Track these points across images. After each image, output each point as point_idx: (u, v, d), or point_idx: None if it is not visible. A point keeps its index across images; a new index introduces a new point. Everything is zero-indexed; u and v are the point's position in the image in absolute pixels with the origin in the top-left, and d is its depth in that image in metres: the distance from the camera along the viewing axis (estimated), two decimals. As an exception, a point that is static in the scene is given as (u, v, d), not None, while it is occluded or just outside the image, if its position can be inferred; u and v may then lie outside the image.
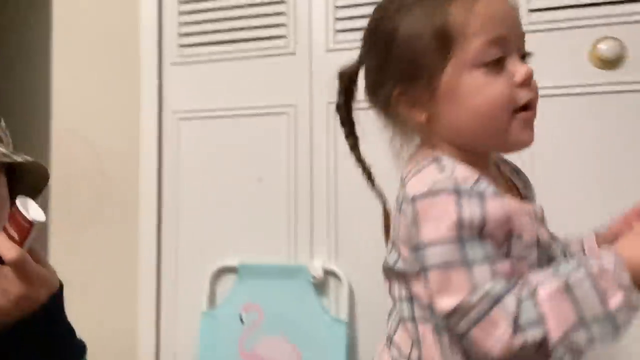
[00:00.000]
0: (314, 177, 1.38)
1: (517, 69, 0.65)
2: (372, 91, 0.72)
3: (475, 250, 0.60)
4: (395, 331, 0.73)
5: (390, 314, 0.76)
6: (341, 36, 1.37)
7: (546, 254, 0.66)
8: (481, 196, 0.61)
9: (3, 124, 0.67)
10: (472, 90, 0.65)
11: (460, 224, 0.60)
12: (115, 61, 1.54)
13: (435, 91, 0.66)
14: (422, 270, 0.63)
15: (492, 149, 0.70)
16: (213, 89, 1.47)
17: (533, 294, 0.58)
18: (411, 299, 0.68)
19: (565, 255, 0.73)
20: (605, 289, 0.56)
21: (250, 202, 1.43)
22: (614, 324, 0.55)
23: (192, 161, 1.48)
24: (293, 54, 1.41)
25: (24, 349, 0.63)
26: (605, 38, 1.21)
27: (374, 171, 0.78)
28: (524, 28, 0.68)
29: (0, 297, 0.59)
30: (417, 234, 0.62)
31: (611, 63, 1.21)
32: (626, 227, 0.70)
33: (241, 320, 1.37)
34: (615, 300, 0.55)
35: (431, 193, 0.62)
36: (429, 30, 0.65)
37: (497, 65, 0.65)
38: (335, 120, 1.39)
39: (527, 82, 0.65)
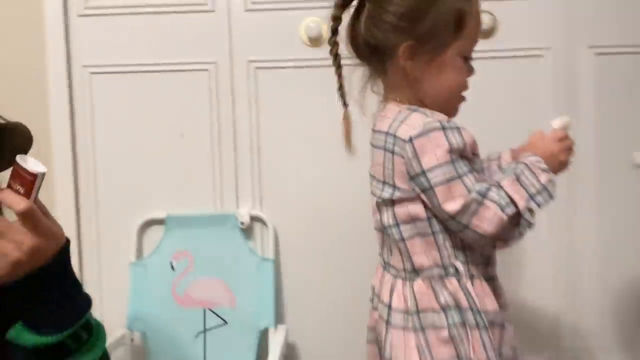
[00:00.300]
0: (237, 131, 1.47)
1: (471, 67, 0.92)
2: (383, 28, 0.89)
3: (462, 167, 0.85)
4: (390, 256, 0.95)
5: (382, 246, 0.97)
6: (259, -3, 1.45)
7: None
8: (458, 129, 0.86)
9: None
10: (454, 70, 0.90)
11: (450, 150, 0.84)
12: (16, 12, 1.44)
13: (436, 58, 0.89)
14: (427, 190, 0.86)
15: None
16: (128, 43, 1.46)
17: (500, 187, 0.85)
18: (398, 224, 0.91)
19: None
20: (536, 173, 0.86)
21: (174, 156, 1.48)
22: (548, 193, 0.86)
23: (107, 117, 1.48)
24: (212, 11, 1.46)
25: (35, 301, 0.64)
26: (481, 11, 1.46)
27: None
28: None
29: (14, 250, 0.61)
30: (419, 165, 0.85)
31: (486, 33, 1.46)
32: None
33: (172, 267, 1.46)
34: (543, 177, 0.86)
35: (425, 132, 0.85)
36: (456, 10, 0.87)
37: (466, 60, 0.90)
38: (256, 76, 1.48)
39: (471, 76, 0.93)
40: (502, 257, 0.97)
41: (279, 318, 1.45)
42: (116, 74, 1.47)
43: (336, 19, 0.94)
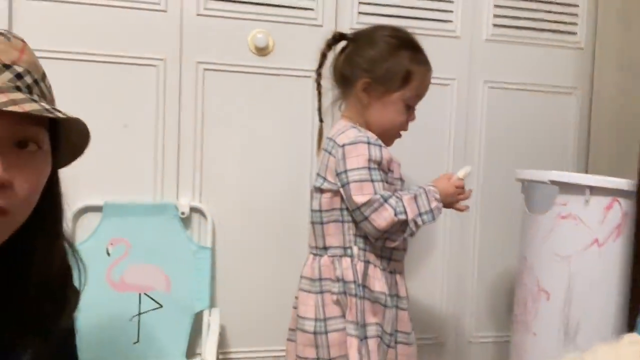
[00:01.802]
0: (181, 127, 1.56)
1: (412, 114, 1.20)
2: (353, 65, 1.20)
3: (376, 175, 1.14)
4: (312, 239, 1.21)
5: (314, 229, 1.22)
6: (211, 4, 1.56)
7: (400, 186, 1.21)
8: (380, 146, 1.13)
9: (48, 81, 0.68)
10: (395, 110, 1.21)
11: (369, 159, 1.14)
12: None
13: (383, 96, 1.16)
14: (345, 185, 1.14)
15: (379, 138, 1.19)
16: (79, 31, 1.48)
17: (401, 199, 1.14)
18: (321, 210, 1.20)
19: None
20: (430, 199, 1.17)
21: (116, 146, 1.52)
22: (433, 214, 1.16)
23: (52, 102, 1.48)
24: (164, 11, 1.54)
25: None
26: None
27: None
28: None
29: None
30: (344, 165, 1.15)
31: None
32: None
33: (108, 253, 1.50)
34: (433, 204, 1.17)
35: (354, 142, 1.16)
36: (405, 69, 1.14)
37: (408, 107, 1.18)
38: (203, 77, 1.60)
39: (412, 121, 1.21)
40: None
41: (212, 302, 1.56)
42: (63, 61, 1.48)
43: (323, 55, 1.24)
